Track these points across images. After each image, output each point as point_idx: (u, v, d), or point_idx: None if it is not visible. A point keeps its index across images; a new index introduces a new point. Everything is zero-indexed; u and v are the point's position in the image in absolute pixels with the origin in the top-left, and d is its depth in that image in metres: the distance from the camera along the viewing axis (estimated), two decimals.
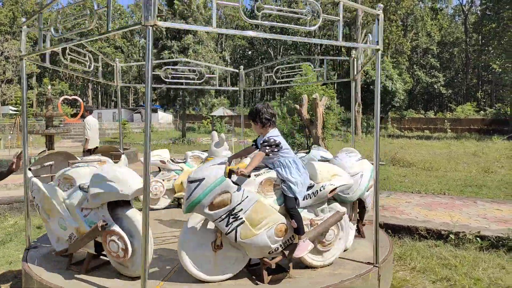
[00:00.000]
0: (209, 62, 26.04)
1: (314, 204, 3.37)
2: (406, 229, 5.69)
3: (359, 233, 4.41)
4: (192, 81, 7.50)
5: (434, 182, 10.04)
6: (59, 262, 3.60)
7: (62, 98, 26.93)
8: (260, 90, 68.23)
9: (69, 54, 4.66)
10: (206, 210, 2.93)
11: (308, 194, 3.29)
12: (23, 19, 3.61)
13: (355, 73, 5.62)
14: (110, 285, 3.11)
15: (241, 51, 70.25)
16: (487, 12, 36.96)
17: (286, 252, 3.20)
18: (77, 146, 20.05)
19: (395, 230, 5.72)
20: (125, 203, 3.26)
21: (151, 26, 2.57)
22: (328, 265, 3.50)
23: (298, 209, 3.20)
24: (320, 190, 3.31)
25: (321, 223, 3.32)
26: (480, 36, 47.63)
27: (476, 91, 54.97)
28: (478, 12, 54.59)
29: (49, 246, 3.90)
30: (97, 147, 9.34)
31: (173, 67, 7.88)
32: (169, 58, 24.69)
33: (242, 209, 2.96)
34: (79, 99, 25.51)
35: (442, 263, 4.63)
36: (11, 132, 23.45)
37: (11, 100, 51.51)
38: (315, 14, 3.29)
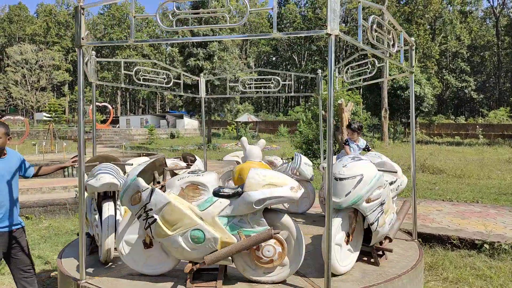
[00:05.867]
0: (233, 69, 26.30)
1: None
2: (438, 238, 5.52)
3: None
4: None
5: (466, 190, 9.71)
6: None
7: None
8: (284, 96, 68.13)
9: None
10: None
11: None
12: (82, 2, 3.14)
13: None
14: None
15: (265, 57, 70.57)
16: None
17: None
18: (108, 151, 20.62)
19: (425, 239, 5.56)
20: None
21: None
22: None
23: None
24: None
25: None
26: None
27: (510, 95, 52.87)
28: (510, 15, 52.89)
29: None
30: None
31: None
32: (195, 65, 25.13)
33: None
34: (109, 105, 26.29)
35: (476, 274, 4.47)
36: (45, 138, 24.39)
37: (45, 107, 53.76)
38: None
